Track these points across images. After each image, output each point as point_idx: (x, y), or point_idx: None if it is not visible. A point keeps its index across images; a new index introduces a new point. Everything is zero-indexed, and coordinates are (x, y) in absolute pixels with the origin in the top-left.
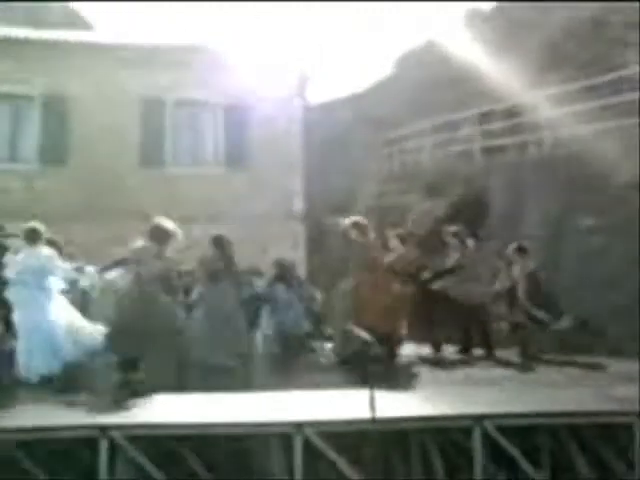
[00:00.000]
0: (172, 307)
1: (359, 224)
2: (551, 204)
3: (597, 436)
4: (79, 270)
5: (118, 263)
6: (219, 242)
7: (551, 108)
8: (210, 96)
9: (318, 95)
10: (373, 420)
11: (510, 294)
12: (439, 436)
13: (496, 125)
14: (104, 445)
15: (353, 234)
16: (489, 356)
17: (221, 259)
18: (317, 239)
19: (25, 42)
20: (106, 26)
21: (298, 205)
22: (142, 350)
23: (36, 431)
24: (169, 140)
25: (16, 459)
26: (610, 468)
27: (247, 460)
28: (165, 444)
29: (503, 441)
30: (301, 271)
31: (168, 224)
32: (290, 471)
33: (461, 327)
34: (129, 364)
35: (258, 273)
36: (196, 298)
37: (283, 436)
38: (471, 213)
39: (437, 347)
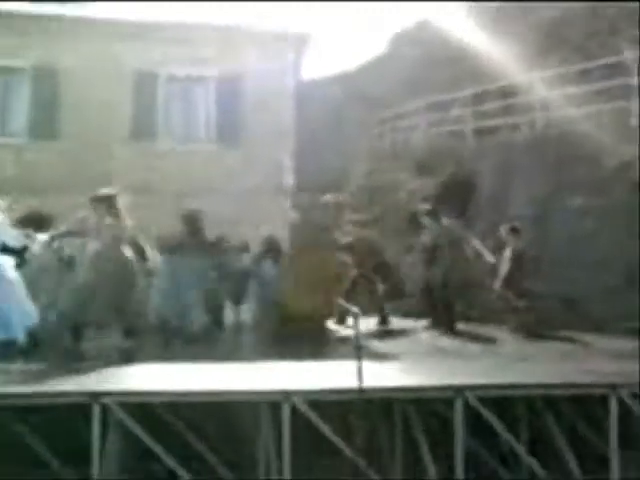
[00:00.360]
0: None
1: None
2: (540, 185)
3: (574, 408)
4: (29, 237)
5: (68, 232)
6: (188, 218)
7: (545, 90)
8: (202, 71)
9: (312, 71)
10: (360, 390)
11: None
12: (422, 406)
13: (489, 106)
14: (97, 411)
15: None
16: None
17: (188, 234)
18: (307, 215)
19: (17, 15)
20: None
21: (289, 181)
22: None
23: (29, 397)
24: (161, 114)
25: (9, 424)
26: (586, 439)
27: (236, 428)
28: (155, 412)
29: (484, 411)
30: (285, 245)
31: (105, 191)
32: (278, 439)
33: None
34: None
35: (246, 249)
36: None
37: (272, 404)
38: (459, 193)
39: (384, 321)
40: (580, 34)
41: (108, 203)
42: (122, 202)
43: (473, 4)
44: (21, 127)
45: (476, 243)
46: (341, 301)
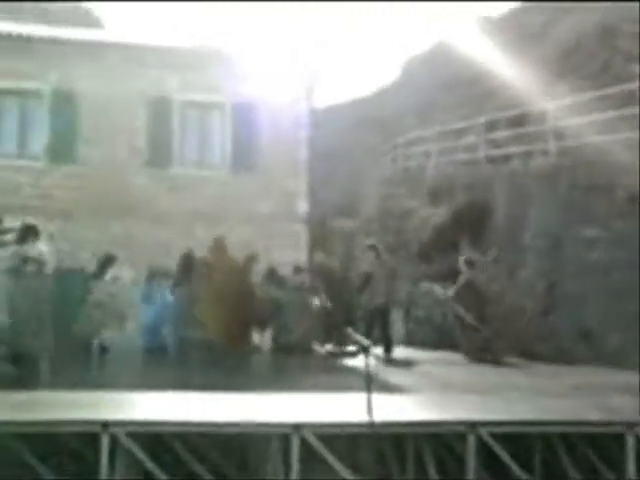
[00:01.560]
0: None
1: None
2: (554, 214)
3: (589, 445)
4: None
5: None
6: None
7: (559, 118)
8: (218, 98)
9: (325, 98)
10: (371, 424)
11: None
12: (434, 439)
13: (502, 134)
14: (105, 441)
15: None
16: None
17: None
18: (320, 241)
19: (36, 39)
20: (117, 25)
21: (303, 207)
22: None
23: (37, 425)
24: (176, 141)
25: (18, 452)
26: (602, 476)
27: (246, 459)
28: (165, 442)
29: (497, 448)
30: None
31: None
32: (287, 472)
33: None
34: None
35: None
36: None
37: (281, 437)
38: (473, 221)
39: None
40: (592, 60)
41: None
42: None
43: (486, 28)
44: (39, 151)
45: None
46: (350, 332)
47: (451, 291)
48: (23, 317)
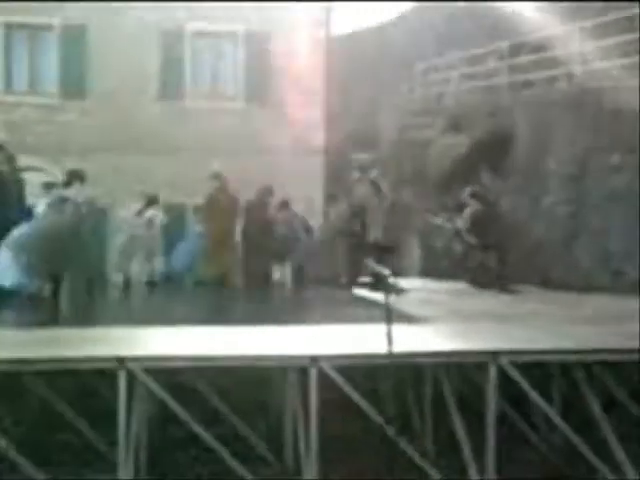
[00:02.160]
0: None
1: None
2: (578, 140)
3: (609, 373)
4: None
5: None
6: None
7: (583, 41)
8: (230, 26)
9: (341, 26)
10: (390, 355)
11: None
12: (452, 370)
13: (524, 59)
14: (123, 376)
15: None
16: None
17: None
18: (338, 175)
19: None
20: None
21: (319, 139)
22: None
23: (53, 362)
24: (188, 72)
25: (36, 389)
26: (621, 404)
27: (264, 393)
28: (182, 378)
29: (518, 377)
30: (317, 206)
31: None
32: (305, 404)
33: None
34: None
35: None
36: None
37: (299, 369)
38: (494, 149)
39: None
40: None
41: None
42: None
43: None
44: (50, 86)
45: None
46: (370, 262)
47: (460, 223)
48: (60, 251)
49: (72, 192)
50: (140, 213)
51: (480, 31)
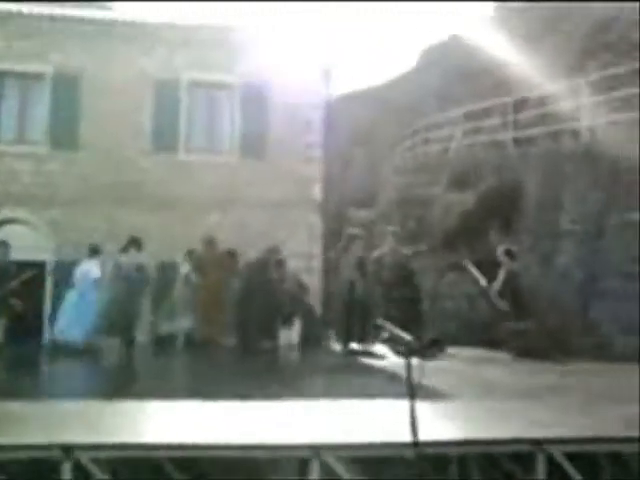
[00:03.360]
0: None
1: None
2: (592, 196)
3: None
4: None
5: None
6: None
7: (587, 96)
8: (227, 77)
9: (341, 86)
10: (415, 444)
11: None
12: (484, 461)
13: (528, 114)
14: (67, 468)
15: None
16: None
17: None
18: (336, 231)
19: (37, 18)
20: (121, 4)
21: (317, 195)
22: None
23: None
24: (183, 124)
25: None
26: None
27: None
28: (148, 463)
29: (570, 469)
30: (316, 263)
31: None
32: None
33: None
34: None
35: None
36: None
37: (298, 462)
38: (501, 206)
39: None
40: (622, 39)
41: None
42: None
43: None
44: (41, 136)
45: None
46: (388, 325)
47: (496, 284)
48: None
49: (126, 258)
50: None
51: (480, 90)
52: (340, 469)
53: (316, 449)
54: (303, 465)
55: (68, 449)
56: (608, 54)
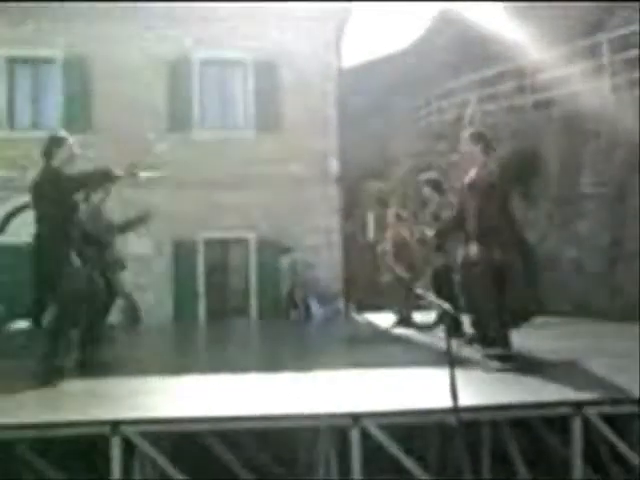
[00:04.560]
0: None
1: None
2: (615, 158)
3: None
4: None
5: None
6: None
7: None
8: (238, 54)
9: (351, 58)
10: (455, 409)
11: None
12: (515, 425)
13: (547, 75)
14: (116, 443)
15: None
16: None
17: None
18: (352, 204)
19: (47, 4)
20: None
21: (333, 168)
22: None
23: (38, 428)
24: (196, 102)
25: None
26: None
27: (293, 454)
28: (191, 437)
29: (608, 432)
30: (336, 237)
31: None
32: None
33: None
34: None
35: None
36: None
37: (337, 430)
38: (522, 171)
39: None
40: None
41: None
42: None
43: None
44: (54, 120)
45: None
46: (426, 293)
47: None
48: None
49: None
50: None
51: (490, 55)
52: (382, 437)
53: (357, 417)
54: (342, 434)
55: (116, 424)
56: (628, 10)
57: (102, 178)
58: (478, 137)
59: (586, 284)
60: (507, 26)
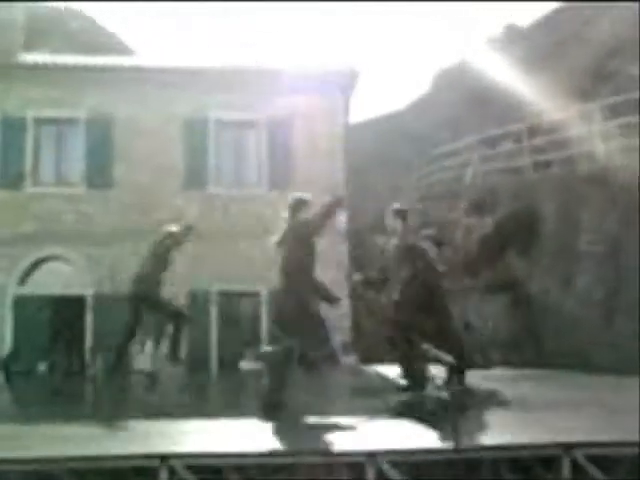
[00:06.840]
0: None
1: None
2: (609, 217)
3: None
4: None
5: None
6: None
7: (605, 119)
8: (252, 115)
9: (356, 114)
10: (456, 450)
11: None
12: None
13: (544, 139)
14: (164, 475)
15: None
16: None
17: None
18: (359, 257)
19: (70, 68)
20: (147, 50)
21: (342, 223)
22: None
23: (88, 460)
24: (212, 161)
25: None
26: None
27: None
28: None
29: (595, 472)
30: (343, 290)
31: None
32: None
33: None
34: None
35: None
36: None
37: (353, 466)
38: (519, 230)
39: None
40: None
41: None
42: None
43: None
44: (77, 177)
45: None
46: (430, 348)
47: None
48: None
49: None
50: None
51: (492, 116)
52: (394, 474)
53: (372, 455)
54: (357, 470)
55: (165, 458)
56: (619, 79)
57: None
58: (398, 212)
59: (585, 337)
60: (507, 88)
